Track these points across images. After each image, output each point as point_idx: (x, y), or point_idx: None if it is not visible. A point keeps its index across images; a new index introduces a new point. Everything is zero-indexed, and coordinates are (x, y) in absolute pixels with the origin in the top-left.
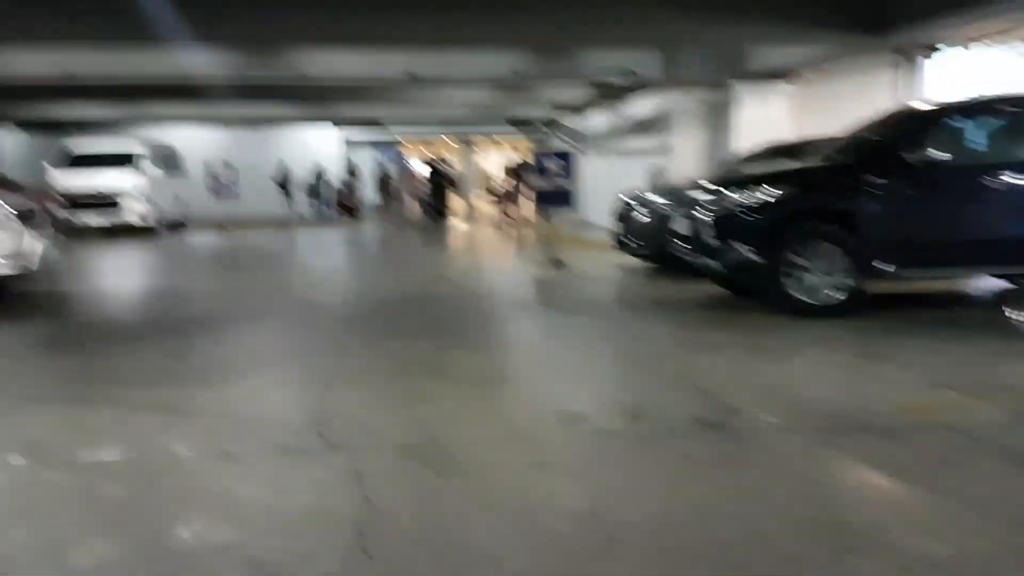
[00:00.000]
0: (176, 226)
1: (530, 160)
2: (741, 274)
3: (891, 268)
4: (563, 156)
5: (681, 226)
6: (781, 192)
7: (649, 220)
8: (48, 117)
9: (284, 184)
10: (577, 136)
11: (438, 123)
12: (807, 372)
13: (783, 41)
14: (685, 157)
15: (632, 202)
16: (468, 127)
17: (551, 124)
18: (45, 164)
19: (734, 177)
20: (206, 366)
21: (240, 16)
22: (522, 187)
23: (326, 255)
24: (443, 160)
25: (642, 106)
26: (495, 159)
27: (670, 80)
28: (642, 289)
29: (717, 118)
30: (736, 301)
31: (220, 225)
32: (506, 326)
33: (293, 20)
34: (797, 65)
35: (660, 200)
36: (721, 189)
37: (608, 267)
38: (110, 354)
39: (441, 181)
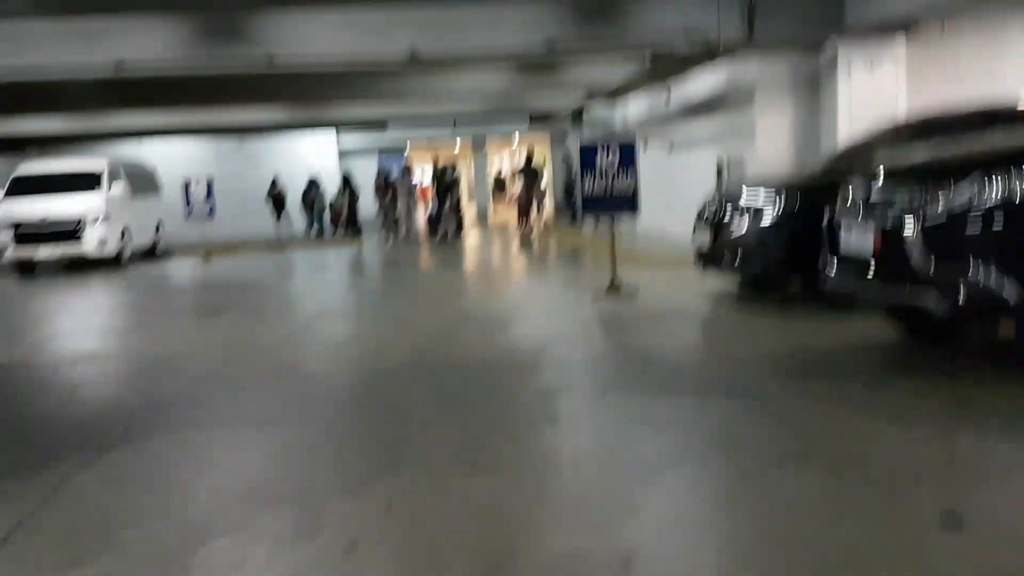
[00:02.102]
0: (151, 254)
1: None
2: (988, 313)
3: None
4: (622, 148)
5: (854, 240)
6: None
7: (752, 228)
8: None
9: (276, 200)
10: (611, 129)
11: (447, 123)
12: None
13: None
14: (771, 143)
15: (723, 204)
16: (481, 127)
17: (577, 117)
18: None
19: (898, 165)
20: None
21: None
22: (536, 191)
23: (318, 288)
24: (452, 166)
25: (702, 83)
26: (510, 162)
27: (753, 42)
28: (762, 332)
29: (810, 91)
30: (937, 353)
31: (207, 252)
32: (569, 433)
33: None
34: (918, 14)
35: (770, 202)
36: (893, 182)
37: (689, 294)
38: None
39: (451, 189)
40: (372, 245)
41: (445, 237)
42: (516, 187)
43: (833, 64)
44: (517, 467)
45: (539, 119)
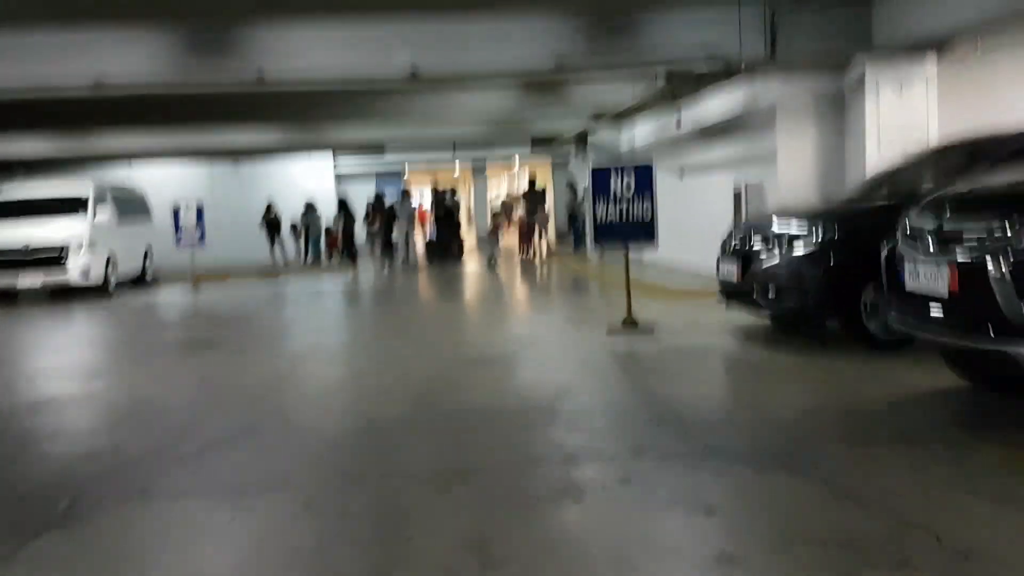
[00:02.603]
0: (140, 282)
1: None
2: None
3: None
4: (638, 171)
5: (921, 276)
6: None
7: (786, 260)
8: None
9: (270, 225)
10: (616, 153)
11: (446, 146)
12: None
13: None
14: (793, 167)
15: (751, 234)
16: (481, 151)
17: (582, 140)
18: None
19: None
20: None
21: None
22: (540, 215)
23: (309, 320)
24: (452, 190)
25: (717, 104)
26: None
27: (775, 61)
28: (806, 379)
29: (835, 113)
30: (1014, 406)
31: (196, 280)
32: (599, 517)
33: None
34: (951, 32)
35: (806, 231)
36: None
37: (713, 331)
38: None
39: (449, 213)
40: (369, 272)
41: (443, 262)
42: (517, 212)
43: (860, 84)
44: (537, 570)
45: (541, 142)
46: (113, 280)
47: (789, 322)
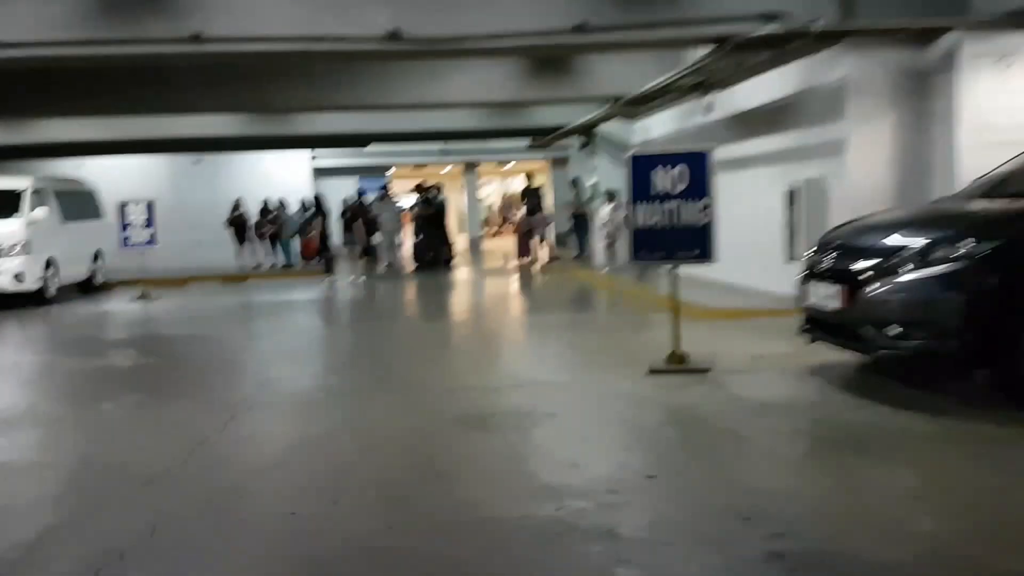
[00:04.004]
0: (88, 287)
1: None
2: None
3: None
4: (692, 160)
5: None
6: None
7: (919, 283)
8: None
9: (237, 226)
10: (627, 146)
11: (435, 143)
12: None
13: None
14: (868, 161)
15: (854, 247)
16: (474, 147)
17: (588, 133)
18: None
19: None
20: None
21: None
22: (537, 219)
23: (265, 346)
24: (436, 186)
25: (762, 89)
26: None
27: (850, 29)
28: (970, 468)
29: (918, 96)
30: None
31: (145, 289)
32: None
33: None
34: None
35: (940, 246)
36: None
37: (789, 372)
38: None
39: (437, 214)
40: (346, 280)
41: (431, 268)
42: (516, 214)
43: (950, 61)
44: None
45: (540, 135)
46: (53, 286)
47: (907, 367)
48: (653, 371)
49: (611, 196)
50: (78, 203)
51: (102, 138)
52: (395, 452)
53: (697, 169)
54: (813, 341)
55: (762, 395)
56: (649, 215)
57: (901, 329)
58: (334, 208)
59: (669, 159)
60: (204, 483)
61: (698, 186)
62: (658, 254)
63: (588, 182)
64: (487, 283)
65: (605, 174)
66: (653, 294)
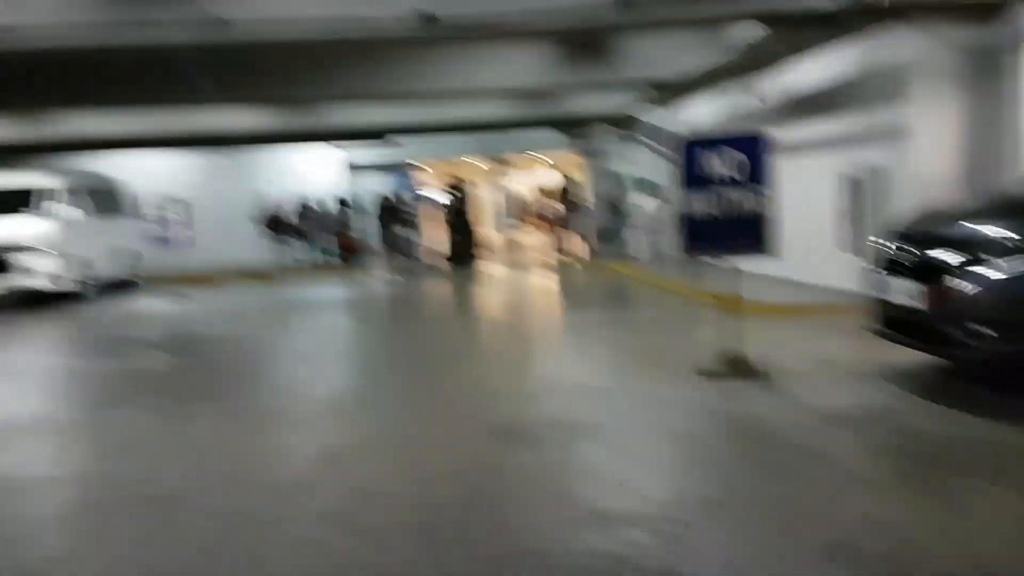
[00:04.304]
0: (122, 286)
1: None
2: None
3: None
4: (750, 146)
5: None
6: None
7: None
8: None
9: (272, 223)
10: (668, 137)
11: (465, 136)
12: None
13: None
14: (934, 147)
15: (940, 238)
16: (505, 140)
17: (625, 124)
18: None
19: None
20: None
21: None
22: (572, 216)
23: (307, 342)
24: (458, 184)
25: (817, 68)
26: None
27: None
28: None
29: (988, 75)
30: None
31: (182, 291)
32: None
33: None
34: None
35: None
36: None
37: (865, 378)
38: None
39: (466, 212)
40: (377, 278)
41: (463, 267)
42: (550, 208)
43: (1018, 39)
44: None
45: (573, 126)
46: (89, 286)
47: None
48: (705, 374)
49: (650, 188)
50: (111, 201)
51: (129, 133)
52: (428, 471)
53: (755, 154)
54: (887, 340)
55: (833, 403)
56: (703, 205)
57: (1000, 332)
58: (369, 206)
59: (724, 144)
60: (220, 507)
61: (756, 172)
62: (712, 246)
63: (626, 174)
64: (523, 280)
65: (644, 166)
66: (697, 289)
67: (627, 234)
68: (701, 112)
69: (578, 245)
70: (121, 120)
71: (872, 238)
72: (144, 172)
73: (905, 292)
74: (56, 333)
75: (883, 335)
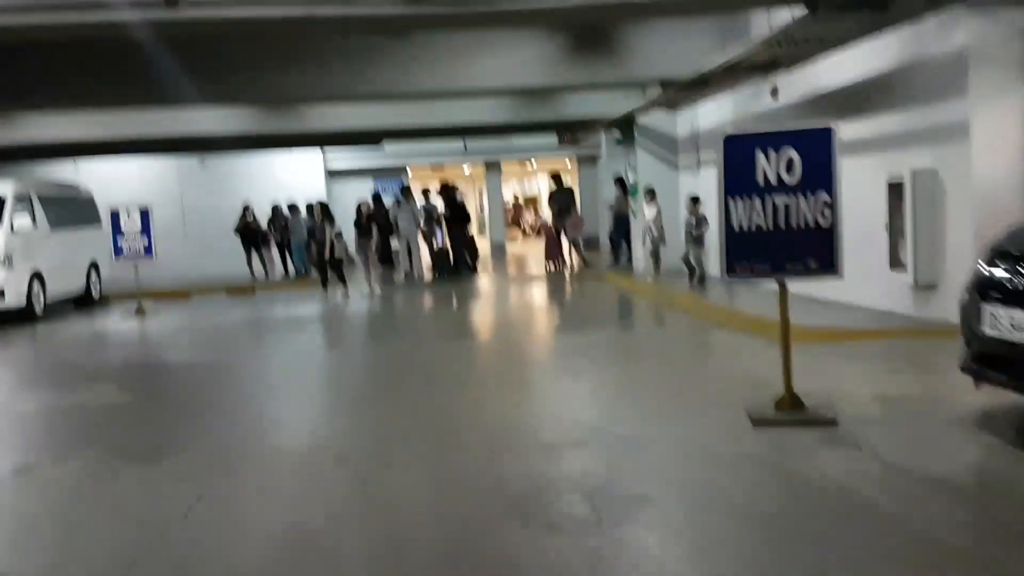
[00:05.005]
0: (81, 302)
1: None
2: None
3: None
4: (810, 141)
5: None
6: None
7: None
8: None
9: (247, 233)
10: (671, 142)
11: (456, 140)
12: None
13: None
14: (996, 147)
15: None
16: (498, 143)
17: (625, 125)
18: None
19: None
20: None
21: None
22: (571, 220)
23: (264, 375)
24: (453, 186)
25: (846, 62)
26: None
27: None
28: None
29: None
30: None
31: (140, 305)
32: None
33: None
34: None
35: None
36: None
37: (958, 425)
38: None
39: (460, 217)
40: (361, 292)
41: (455, 275)
42: (541, 216)
43: None
44: None
45: (570, 128)
46: (40, 302)
47: None
48: (758, 422)
49: (652, 194)
50: (70, 210)
51: (93, 137)
52: (421, 566)
53: (815, 153)
54: (991, 383)
55: (924, 461)
56: (749, 215)
57: None
58: (348, 213)
59: (776, 140)
60: None
61: (817, 175)
62: (762, 265)
63: (634, 177)
64: (518, 294)
65: (645, 171)
66: (713, 308)
67: (629, 244)
68: (710, 114)
69: (574, 255)
70: (84, 122)
71: (977, 261)
72: (113, 179)
73: (1008, 322)
74: (5, 359)
75: (976, 375)
